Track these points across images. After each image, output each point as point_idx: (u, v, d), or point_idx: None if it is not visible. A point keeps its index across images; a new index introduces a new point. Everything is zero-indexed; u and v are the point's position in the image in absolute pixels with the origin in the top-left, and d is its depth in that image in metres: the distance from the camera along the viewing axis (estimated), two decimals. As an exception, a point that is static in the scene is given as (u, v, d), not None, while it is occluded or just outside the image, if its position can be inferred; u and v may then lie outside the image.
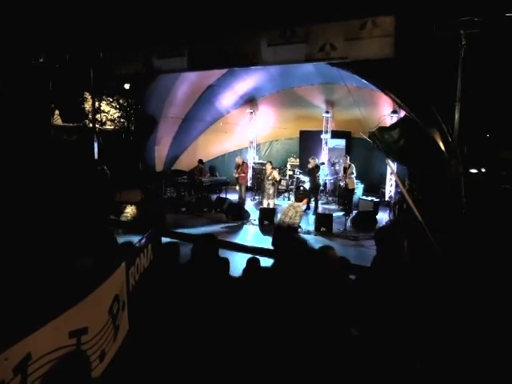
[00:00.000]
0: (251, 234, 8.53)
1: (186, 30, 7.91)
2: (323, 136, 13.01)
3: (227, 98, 12.94)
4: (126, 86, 12.16)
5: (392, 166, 8.49)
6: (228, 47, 7.52)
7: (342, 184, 10.95)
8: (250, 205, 11.31)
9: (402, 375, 2.12)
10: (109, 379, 1.89)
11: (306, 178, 11.34)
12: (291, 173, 12.67)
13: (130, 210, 10.36)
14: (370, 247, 6.72)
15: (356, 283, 2.55)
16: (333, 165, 12.09)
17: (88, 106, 11.47)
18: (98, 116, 11.86)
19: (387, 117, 10.45)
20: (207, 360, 2.25)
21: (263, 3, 7.17)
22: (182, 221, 9.35)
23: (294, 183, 12.01)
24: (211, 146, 13.85)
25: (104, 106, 13.12)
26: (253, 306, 2.50)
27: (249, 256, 3.39)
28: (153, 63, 8.46)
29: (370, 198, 10.31)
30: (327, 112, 12.82)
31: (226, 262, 3.15)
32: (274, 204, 10.01)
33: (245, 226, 9.08)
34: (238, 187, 11.23)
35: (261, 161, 13.87)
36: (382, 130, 7.57)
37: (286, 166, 13.17)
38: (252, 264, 3.18)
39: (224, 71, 10.77)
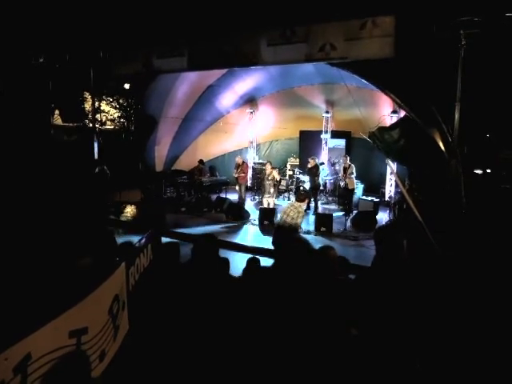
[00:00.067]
0: (251, 234, 8.53)
1: (185, 30, 7.91)
2: (323, 136, 13.01)
3: (227, 98, 12.94)
4: (126, 86, 12.15)
5: (392, 166, 8.49)
6: (228, 47, 7.52)
7: (341, 184, 10.95)
8: (249, 205, 11.31)
9: (402, 375, 2.12)
10: (109, 379, 1.89)
11: (306, 178, 11.34)
12: (291, 173, 12.67)
13: (129, 210, 10.36)
14: (370, 247, 6.71)
15: (356, 283, 2.55)
16: (333, 165, 12.08)
17: (88, 105, 11.46)
18: (97, 116, 11.86)
19: (387, 117, 10.45)
20: (207, 360, 2.25)
21: (263, 3, 7.17)
22: (182, 221, 9.35)
23: (294, 183, 12.01)
24: (211, 146, 13.85)
25: (104, 106, 13.11)
26: (253, 306, 2.50)
27: (249, 256, 3.39)
28: (153, 63, 8.46)
29: (370, 198, 10.31)
30: (327, 112, 12.82)
31: (226, 262, 3.15)
32: (274, 204, 10.01)
33: (245, 226, 9.08)
34: (237, 187, 11.23)
35: (261, 161, 13.87)
36: (382, 129, 7.56)
37: (285, 166, 13.16)
38: (252, 264, 3.19)
39: (224, 71, 10.77)
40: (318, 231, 8.44)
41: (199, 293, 2.52)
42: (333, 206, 11.50)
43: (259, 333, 2.32)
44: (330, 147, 12.98)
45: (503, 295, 4.17)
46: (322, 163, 11.81)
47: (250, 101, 13.71)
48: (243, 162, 11.21)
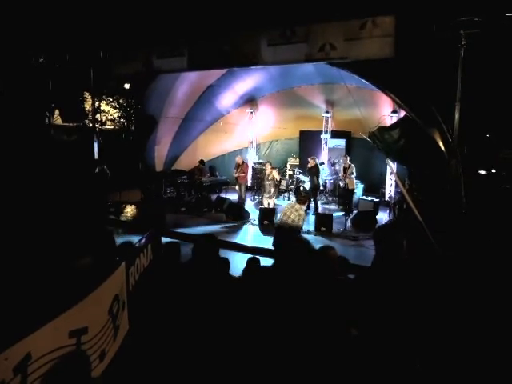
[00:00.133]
0: (251, 234, 8.53)
1: (186, 30, 7.91)
2: (323, 136, 13.01)
3: (227, 98, 12.94)
4: (126, 86, 12.16)
5: (392, 166, 8.49)
6: (228, 47, 7.52)
7: (341, 184, 10.96)
8: (249, 205, 11.31)
9: (402, 375, 2.12)
10: (109, 379, 1.89)
11: (306, 178, 11.34)
12: (291, 173, 12.67)
13: (129, 210, 10.36)
14: (370, 247, 6.70)
15: (356, 283, 2.55)
16: (333, 165, 12.08)
17: (88, 105, 11.46)
18: (97, 116, 11.87)
19: (387, 117, 10.45)
20: (207, 360, 2.25)
21: (263, 3, 7.17)
22: (182, 221, 9.35)
23: (294, 183, 12.01)
24: (211, 146, 13.85)
25: (104, 106, 13.12)
26: (253, 306, 2.50)
27: (249, 256, 3.39)
28: (153, 63, 8.46)
29: (369, 198, 10.31)
30: (327, 112, 12.82)
31: (226, 262, 3.16)
32: (274, 204, 10.01)
33: (245, 226, 9.08)
34: (237, 187, 11.23)
35: (261, 161, 13.87)
36: (382, 129, 7.57)
37: (285, 166, 13.16)
38: (252, 264, 3.19)
39: (224, 71, 10.77)
40: (317, 231, 8.44)
41: (199, 293, 2.52)
42: (333, 206, 11.50)
43: (259, 333, 2.32)
44: (330, 147, 12.98)
45: (503, 295, 4.17)
46: (322, 163, 11.81)
47: (249, 101, 13.71)
48: (243, 161, 11.21)
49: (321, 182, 11.38)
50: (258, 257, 3.33)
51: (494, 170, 6.10)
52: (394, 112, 10.73)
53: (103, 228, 7.96)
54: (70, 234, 5.39)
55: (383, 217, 9.72)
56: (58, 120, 10.91)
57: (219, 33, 7.65)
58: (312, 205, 10.37)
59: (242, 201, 11.02)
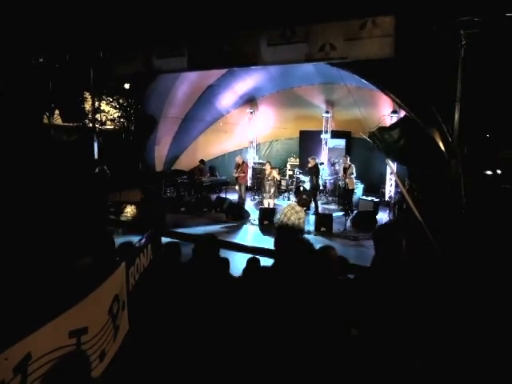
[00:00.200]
0: (251, 234, 8.53)
1: (186, 30, 7.91)
2: (323, 136, 13.01)
3: (227, 98, 12.94)
4: (126, 86, 12.17)
5: (392, 166, 8.49)
6: (228, 47, 7.52)
7: (341, 184, 10.96)
8: (249, 205, 11.31)
9: (402, 375, 2.12)
10: (109, 379, 1.89)
11: (306, 178, 11.34)
12: (291, 173, 12.67)
13: (129, 210, 10.36)
14: (370, 247, 6.69)
15: (356, 283, 2.55)
16: (333, 165, 12.08)
17: (88, 105, 11.48)
18: (97, 116, 11.88)
19: (387, 117, 10.45)
20: (207, 360, 2.25)
21: (263, 3, 7.18)
22: (182, 221, 9.35)
23: (294, 183, 12.01)
24: (211, 146, 13.85)
25: (104, 106, 13.13)
26: (253, 306, 2.50)
27: (249, 256, 3.39)
28: (153, 63, 8.47)
29: (369, 198, 10.31)
30: (327, 112, 12.82)
31: (226, 262, 3.16)
32: (274, 204, 10.02)
33: (245, 226, 9.08)
34: (237, 187, 11.23)
35: (261, 161, 13.87)
36: (382, 129, 7.57)
37: (285, 166, 13.17)
38: (252, 264, 3.19)
39: (224, 71, 10.77)
40: (317, 231, 8.44)
41: (199, 293, 2.52)
42: (333, 206, 11.50)
43: (259, 333, 2.32)
44: (330, 147, 12.98)
45: (503, 295, 4.17)
46: (322, 163, 11.81)
47: (249, 101, 13.71)
48: (243, 161, 11.21)
49: (321, 182, 11.38)
50: (257, 257, 3.33)
51: (499, 171, 6.08)
52: (394, 112, 10.73)
53: (103, 228, 7.96)
54: (70, 234, 5.39)
55: (383, 217, 9.72)
56: (58, 120, 10.92)
57: (219, 33, 7.65)
58: (312, 205, 10.38)
59: (242, 201, 11.02)
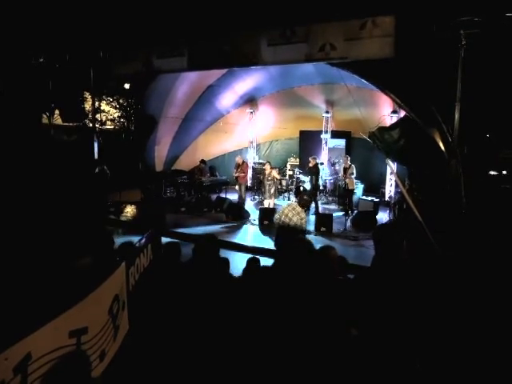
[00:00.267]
0: (251, 234, 8.53)
1: (186, 30, 7.91)
2: (323, 136, 13.01)
3: (227, 98, 12.94)
4: (126, 86, 12.17)
5: (392, 166, 8.49)
6: (228, 47, 7.52)
7: (341, 184, 10.95)
8: (249, 205, 11.31)
9: (402, 375, 2.12)
10: (109, 379, 1.89)
11: (306, 178, 11.34)
12: (291, 173, 12.67)
13: (129, 210, 10.36)
14: (370, 247, 6.69)
15: (356, 283, 2.55)
16: (333, 165, 12.09)
17: (88, 105, 11.48)
18: (97, 116, 11.88)
19: (387, 117, 10.45)
20: (207, 360, 2.25)
21: (263, 3, 7.18)
22: (182, 221, 9.35)
23: (294, 183, 12.01)
24: (211, 146, 13.85)
25: (104, 106, 13.13)
26: (253, 306, 2.50)
27: (249, 256, 3.39)
28: (153, 63, 8.47)
29: (370, 198, 10.31)
30: (327, 112, 12.82)
31: (226, 262, 3.16)
32: (274, 204, 10.02)
33: (245, 226, 9.08)
34: (237, 187, 11.23)
35: (261, 161, 13.87)
36: (382, 129, 7.56)
37: (285, 166, 13.17)
38: (252, 264, 3.19)
39: (224, 71, 10.77)
40: (318, 231, 8.44)
41: (199, 293, 2.52)
42: (333, 206, 11.50)
43: (259, 333, 2.32)
44: (330, 147, 12.98)
45: (503, 295, 4.17)
46: (322, 163, 11.81)
47: (250, 101, 13.71)
48: (243, 161, 11.21)
49: (321, 182, 11.38)
50: (257, 257, 3.33)
51: (504, 172, 6.08)
52: (394, 112, 10.73)
53: (103, 228, 7.96)
54: (70, 235, 5.40)
55: (383, 217, 9.72)
56: (58, 120, 10.92)
57: (219, 33, 7.65)
58: (312, 205, 10.38)
59: (242, 201, 11.03)
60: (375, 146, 7.64)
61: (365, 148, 10.98)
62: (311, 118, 13.08)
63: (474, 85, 5.76)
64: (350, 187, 10.14)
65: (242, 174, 10.96)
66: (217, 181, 12.20)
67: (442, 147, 6.14)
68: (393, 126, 7.84)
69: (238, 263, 3.55)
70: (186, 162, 13.17)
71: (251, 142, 14.47)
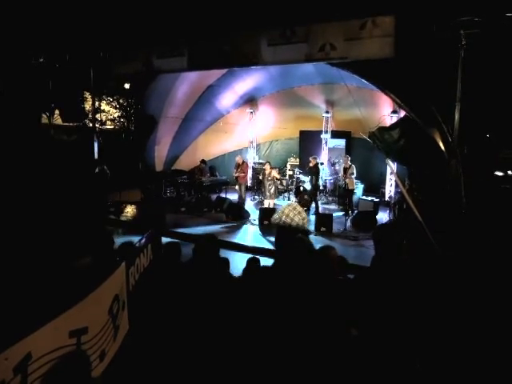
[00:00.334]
0: (251, 234, 8.53)
1: (186, 30, 7.91)
2: (323, 136, 13.01)
3: (227, 98, 12.94)
4: (126, 86, 12.18)
5: (392, 166, 8.49)
6: (228, 47, 7.52)
7: (341, 184, 10.95)
8: (249, 205, 11.31)
9: (402, 375, 2.12)
10: (109, 379, 1.89)
11: (306, 178, 11.34)
12: (291, 173, 12.67)
13: (129, 210, 10.36)
14: (370, 247, 6.69)
15: (356, 283, 2.55)
16: (333, 165, 12.08)
17: (88, 105, 11.49)
18: (97, 116, 11.88)
19: (387, 117, 10.44)
20: (207, 360, 2.25)
21: (263, 3, 7.18)
22: (182, 221, 9.35)
23: (294, 183, 12.01)
24: (211, 146, 13.85)
25: (104, 106, 13.14)
26: (253, 305, 2.50)
27: (249, 256, 3.39)
28: (153, 63, 8.47)
29: (370, 198, 10.31)
30: (327, 112, 12.82)
31: (226, 262, 3.16)
32: (274, 204, 10.02)
33: (245, 226, 9.08)
34: (237, 187, 11.23)
35: (261, 161, 13.87)
36: (382, 129, 7.56)
37: (285, 166, 13.16)
38: (252, 264, 3.19)
39: (224, 71, 10.77)
40: (318, 231, 8.44)
41: (199, 293, 2.53)
42: (333, 206, 11.50)
43: (259, 332, 2.32)
44: (329, 147, 12.98)
45: (503, 295, 4.17)
46: (322, 163, 11.81)
47: (249, 101, 13.71)
48: (243, 161, 11.21)
49: (321, 182, 11.38)
50: (257, 257, 3.33)
51: (510, 172, 6.07)
52: (394, 112, 10.72)
53: (103, 228, 7.97)
54: (70, 235, 5.40)
55: (383, 217, 9.71)
56: (58, 120, 10.92)
57: (219, 33, 7.65)
58: (312, 205, 10.38)
59: (242, 201, 11.02)
60: (375, 145, 7.64)
61: (365, 148, 10.98)
62: (311, 118, 13.08)
63: (473, 85, 5.76)
64: (350, 187, 10.14)
65: (242, 174, 10.96)
66: (217, 181, 12.20)
67: (442, 147, 6.14)
68: (393, 126, 7.84)
69: (238, 263, 3.55)
70: (186, 161, 13.17)
71: (251, 142, 14.47)
